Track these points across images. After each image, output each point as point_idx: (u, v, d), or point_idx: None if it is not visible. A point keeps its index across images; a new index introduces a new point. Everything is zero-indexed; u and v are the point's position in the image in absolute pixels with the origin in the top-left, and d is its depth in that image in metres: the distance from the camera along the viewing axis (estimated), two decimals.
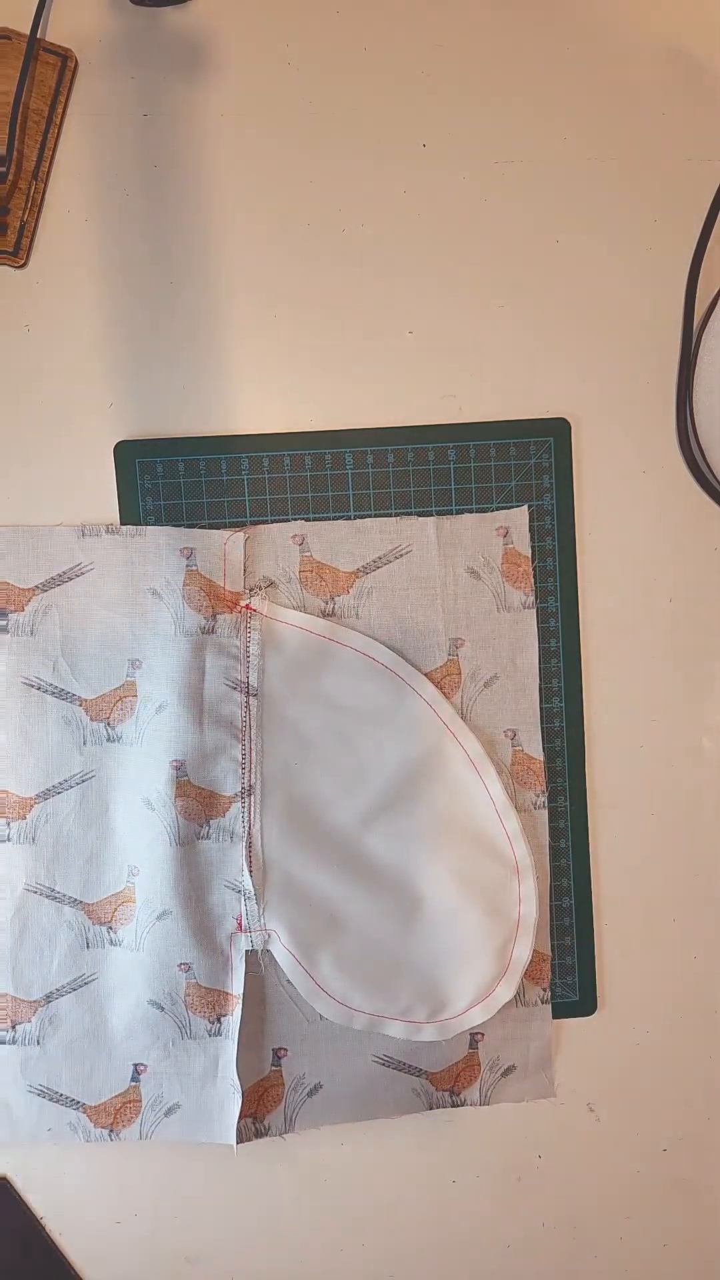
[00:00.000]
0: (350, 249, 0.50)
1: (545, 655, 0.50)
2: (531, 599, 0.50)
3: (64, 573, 0.48)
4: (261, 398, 0.49)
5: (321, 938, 0.47)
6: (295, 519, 0.49)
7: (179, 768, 0.47)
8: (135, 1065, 0.48)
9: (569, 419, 0.50)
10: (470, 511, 0.50)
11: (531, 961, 0.48)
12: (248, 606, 0.48)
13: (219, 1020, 0.48)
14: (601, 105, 0.50)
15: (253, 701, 0.48)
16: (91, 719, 0.48)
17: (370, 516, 0.49)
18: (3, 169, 0.46)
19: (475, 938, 0.48)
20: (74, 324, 0.49)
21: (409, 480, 0.49)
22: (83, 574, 0.48)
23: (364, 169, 0.49)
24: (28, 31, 0.47)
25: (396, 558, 0.49)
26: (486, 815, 0.48)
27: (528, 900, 0.48)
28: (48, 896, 0.48)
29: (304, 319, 0.49)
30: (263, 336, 0.49)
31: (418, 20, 0.50)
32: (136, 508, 0.48)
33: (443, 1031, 0.47)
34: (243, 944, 0.47)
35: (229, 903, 0.48)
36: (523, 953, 0.48)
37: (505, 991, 0.47)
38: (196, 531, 0.48)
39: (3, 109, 0.46)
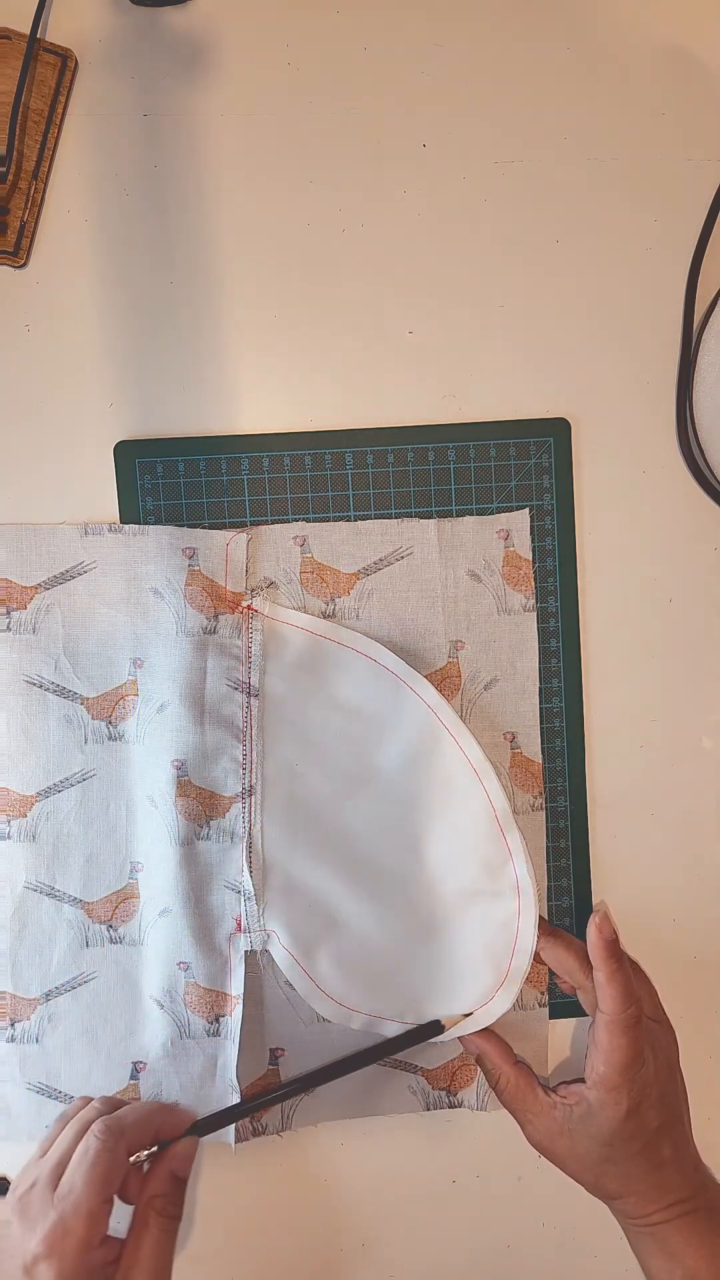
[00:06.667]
0: (350, 249, 0.49)
1: (545, 655, 0.50)
2: (532, 602, 0.50)
3: (66, 571, 0.48)
4: (261, 398, 0.49)
5: (321, 938, 0.47)
6: (295, 519, 0.49)
7: (180, 767, 0.47)
8: (134, 1063, 0.48)
9: (569, 419, 0.50)
10: (470, 511, 0.50)
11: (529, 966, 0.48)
12: (249, 607, 0.48)
13: (217, 1020, 0.48)
14: (601, 105, 0.50)
15: (254, 702, 0.48)
16: (93, 717, 0.48)
17: (370, 516, 0.49)
18: (3, 169, 0.46)
19: (474, 943, 0.48)
20: (74, 324, 0.49)
21: (409, 480, 0.49)
22: (85, 572, 0.48)
23: (364, 169, 0.49)
24: (28, 31, 0.47)
25: (397, 560, 0.49)
26: (487, 822, 0.48)
27: (527, 913, 0.47)
28: (47, 895, 0.48)
29: (304, 319, 0.49)
30: (263, 336, 0.49)
31: (418, 20, 0.50)
32: (136, 507, 0.49)
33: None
34: (242, 944, 0.47)
35: (228, 903, 0.47)
36: (521, 965, 0.47)
37: (503, 1001, 0.47)
38: (199, 531, 0.48)
39: (3, 109, 0.46)
